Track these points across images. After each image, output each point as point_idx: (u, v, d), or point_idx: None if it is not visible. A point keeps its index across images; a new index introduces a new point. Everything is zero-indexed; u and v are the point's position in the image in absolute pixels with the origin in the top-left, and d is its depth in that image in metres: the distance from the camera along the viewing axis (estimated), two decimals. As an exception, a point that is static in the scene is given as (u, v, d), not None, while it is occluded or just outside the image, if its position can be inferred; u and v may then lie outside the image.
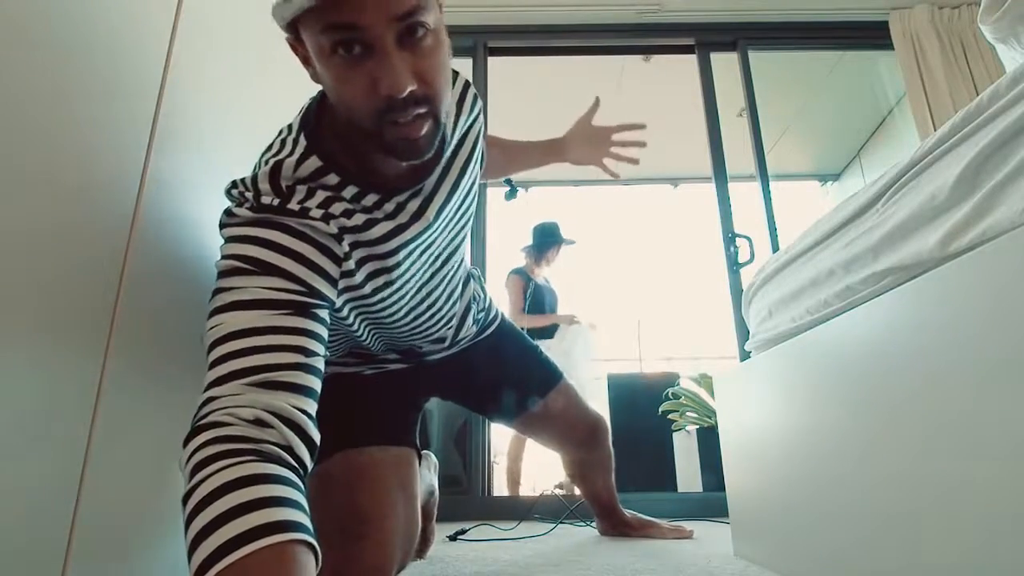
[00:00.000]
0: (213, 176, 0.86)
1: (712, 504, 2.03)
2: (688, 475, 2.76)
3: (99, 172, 0.63)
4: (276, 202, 0.64)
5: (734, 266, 2.32)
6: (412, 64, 0.59)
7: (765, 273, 1.11)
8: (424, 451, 1.21)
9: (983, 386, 0.53)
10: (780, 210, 2.39)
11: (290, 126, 0.73)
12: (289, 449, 0.55)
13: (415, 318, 0.90)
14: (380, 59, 0.58)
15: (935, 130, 0.99)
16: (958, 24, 2.45)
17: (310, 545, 0.48)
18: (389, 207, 0.74)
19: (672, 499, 2.34)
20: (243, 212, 0.65)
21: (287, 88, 1.17)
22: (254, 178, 0.67)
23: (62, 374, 0.57)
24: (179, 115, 0.77)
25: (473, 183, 0.88)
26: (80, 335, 0.60)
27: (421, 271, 0.84)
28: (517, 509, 2.07)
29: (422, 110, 0.61)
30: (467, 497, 2.20)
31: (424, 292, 0.88)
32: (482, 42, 2.60)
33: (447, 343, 1.05)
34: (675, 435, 2.91)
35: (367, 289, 0.76)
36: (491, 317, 1.18)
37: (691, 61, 2.60)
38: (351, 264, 0.71)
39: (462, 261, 0.99)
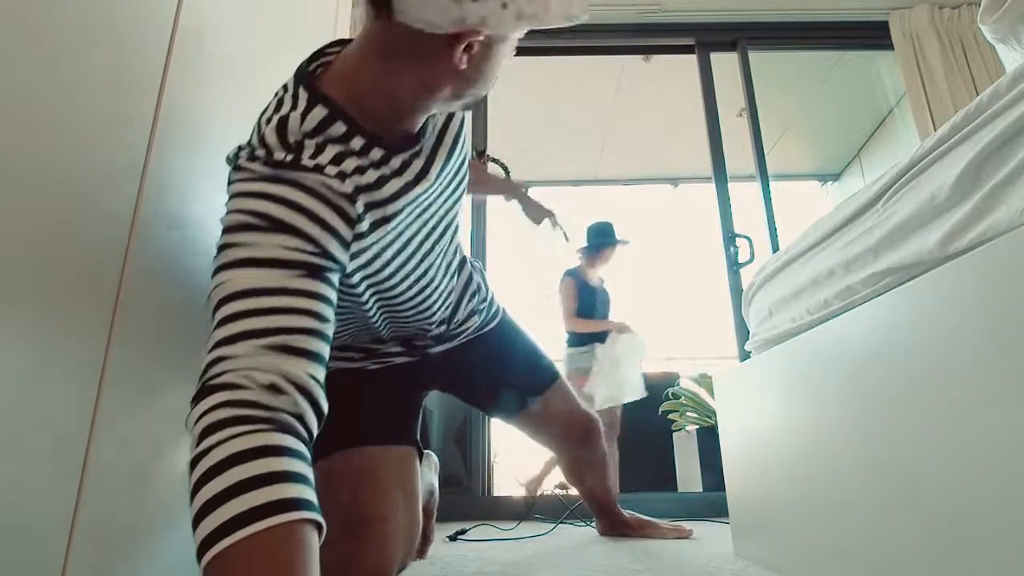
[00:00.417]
0: (214, 174, 0.86)
1: (712, 504, 2.03)
2: (688, 475, 2.76)
3: (99, 170, 0.63)
4: (289, 158, 0.63)
5: (734, 266, 2.32)
6: None
7: (765, 273, 1.11)
8: (425, 451, 1.21)
9: (983, 386, 0.53)
10: (780, 210, 2.39)
11: (285, 86, 0.71)
12: (300, 418, 0.54)
13: (416, 289, 0.87)
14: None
15: (935, 130, 0.99)
16: (958, 24, 2.45)
17: (316, 522, 0.48)
18: (395, 163, 0.72)
19: (672, 499, 2.34)
20: (255, 167, 0.62)
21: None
22: (261, 137, 0.65)
23: (62, 374, 0.57)
24: (180, 112, 0.77)
25: (464, 152, 0.88)
26: (80, 334, 0.60)
27: (420, 236, 0.82)
28: (517, 509, 2.07)
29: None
30: (467, 497, 2.20)
31: (424, 262, 0.86)
32: (482, 42, 2.60)
33: (447, 328, 1.04)
34: (675, 435, 2.91)
35: (374, 250, 0.74)
36: (493, 311, 1.18)
37: (691, 61, 2.60)
38: (364, 226, 0.69)
39: (457, 241, 0.98)
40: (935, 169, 0.66)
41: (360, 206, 0.67)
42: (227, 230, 0.60)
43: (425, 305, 0.92)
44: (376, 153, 0.70)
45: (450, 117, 0.82)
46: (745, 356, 2.02)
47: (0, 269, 0.50)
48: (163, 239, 0.74)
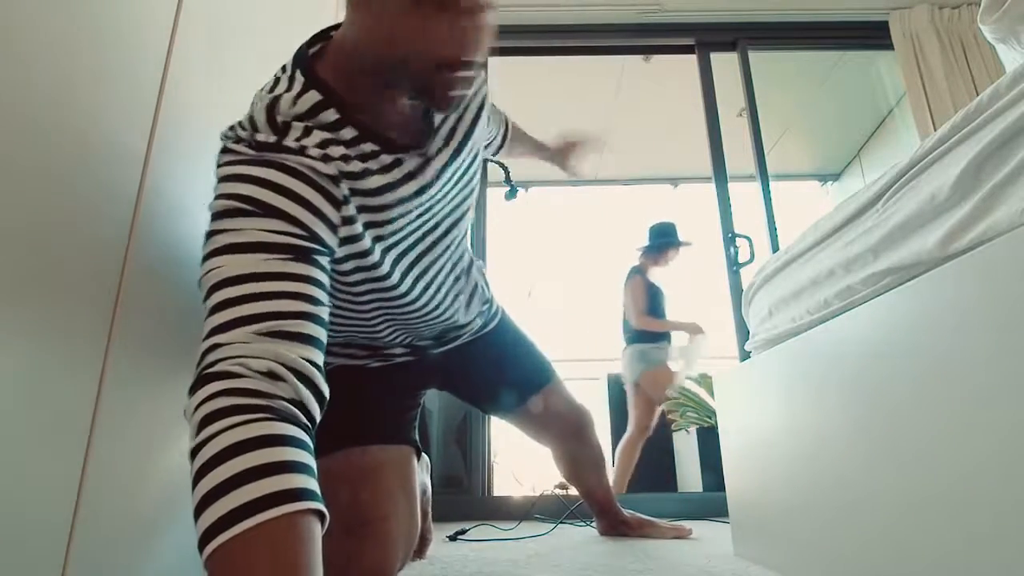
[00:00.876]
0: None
1: (712, 504, 2.03)
2: (688, 475, 2.76)
3: (99, 170, 0.63)
4: (273, 139, 0.62)
5: (734, 266, 2.32)
6: (474, 29, 0.59)
7: (765, 273, 1.11)
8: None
9: (983, 386, 0.53)
10: (780, 210, 2.39)
11: (284, 67, 0.71)
12: (301, 404, 0.53)
13: (419, 289, 0.86)
14: (473, 20, 0.58)
15: (935, 130, 0.99)
16: (958, 24, 2.45)
17: (319, 512, 0.47)
18: (386, 159, 0.71)
19: (672, 499, 2.34)
20: (240, 149, 0.62)
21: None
22: (251, 116, 0.65)
23: (62, 374, 0.57)
24: (180, 112, 0.77)
25: (476, 151, 0.85)
26: (80, 334, 0.60)
27: (419, 235, 0.80)
28: (517, 509, 2.07)
29: (472, 74, 0.62)
30: (467, 497, 2.20)
31: (425, 260, 0.84)
32: (482, 42, 2.60)
33: (457, 328, 1.04)
34: (675, 435, 2.91)
35: (367, 242, 0.72)
36: (493, 312, 1.19)
37: (691, 61, 2.60)
38: (351, 210, 0.68)
39: (465, 238, 0.97)
40: (935, 169, 0.66)
41: (345, 188, 0.66)
42: (214, 216, 0.60)
43: (432, 306, 0.91)
44: (367, 146, 0.69)
45: (459, 118, 0.81)
46: (745, 356, 2.02)
47: (0, 269, 0.50)
48: (163, 239, 0.74)
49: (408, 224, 0.77)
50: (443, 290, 0.92)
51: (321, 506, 0.48)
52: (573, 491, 2.13)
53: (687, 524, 1.55)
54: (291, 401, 0.53)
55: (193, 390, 0.51)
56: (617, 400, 3.11)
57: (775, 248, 2.32)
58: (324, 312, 0.60)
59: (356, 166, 0.67)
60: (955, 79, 2.35)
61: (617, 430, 3.03)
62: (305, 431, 0.53)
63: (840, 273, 0.82)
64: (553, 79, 3.06)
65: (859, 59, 3.03)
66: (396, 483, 0.93)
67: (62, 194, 0.57)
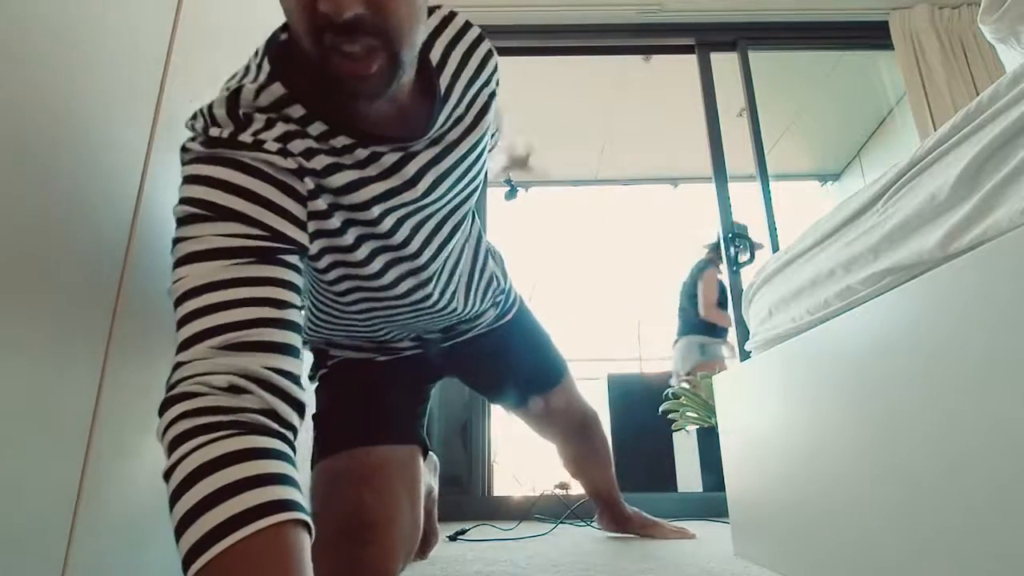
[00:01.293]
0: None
1: (712, 504, 2.03)
2: (688, 475, 2.76)
3: (99, 171, 0.63)
4: (226, 134, 0.58)
5: (734, 266, 2.32)
6: None
7: (765, 273, 1.11)
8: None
9: (983, 386, 0.53)
10: (780, 210, 2.39)
11: (256, 50, 0.66)
12: (272, 413, 0.51)
13: (409, 285, 0.81)
14: None
15: (935, 130, 0.99)
16: (958, 24, 2.45)
17: (303, 522, 0.46)
18: (361, 153, 0.66)
19: (672, 499, 2.34)
20: (194, 146, 0.58)
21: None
22: (210, 106, 0.60)
23: (62, 373, 0.57)
24: (180, 112, 0.77)
25: (482, 156, 0.80)
26: (80, 334, 0.60)
27: (406, 232, 0.75)
28: (517, 509, 2.07)
29: (373, 42, 0.54)
30: (467, 497, 2.20)
31: (419, 258, 0.79)
32: (482, 42, 2.60)
33: (460, 322, 1.00)
34: (675, 435, 2.91)
35: (349, 239, 0.68)
36: (510, 302, 1.13)
37: (691, 61, 2.60)
38: (321, 204, 0.64)
39: (473, 232, 0.94)
40: (935, 169, 0.66)
41: (310, 183, 0.62)
42: (176, 222, 0.57)
43: (429, 303, 0.87)
44: (340, 140, 0.64)
45: (459, 114, 0.75)
46: (745, 356, 2.02)
47: (1, 269, 0.50)
48: (163, 239, 0.74)
49: (398, 220, 0.72)
50: (438, 286, 0.87)
51: (306, 516, 0.46)
52: (573, 491, 2.13)
53: (687, 524, 1.55)
54: (260, 411, 0.50)
55: (160, 412, 0.50)
56: (617, 400, 3.11)
57: (775, 248, 2.32)
58: (293, 314, 0.57)
59: (321, 161, 0.63)
60: (955, 79, 2.35)
61: (617, 430, 3.02)
62: (280, 438, 0.50)
63: (840, 273, 0.82)
64: (553, 79, 3.06)
65: (859, 59, 3.03)
66: (401, 486, 0.92)
67: (62, 194, 0.57)
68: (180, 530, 0.44)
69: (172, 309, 0.55)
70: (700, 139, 2.52)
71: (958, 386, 0.56)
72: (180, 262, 0.55)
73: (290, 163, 0.60)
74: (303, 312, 0.67)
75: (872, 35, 2.56)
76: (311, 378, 1.05)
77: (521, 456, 3.40)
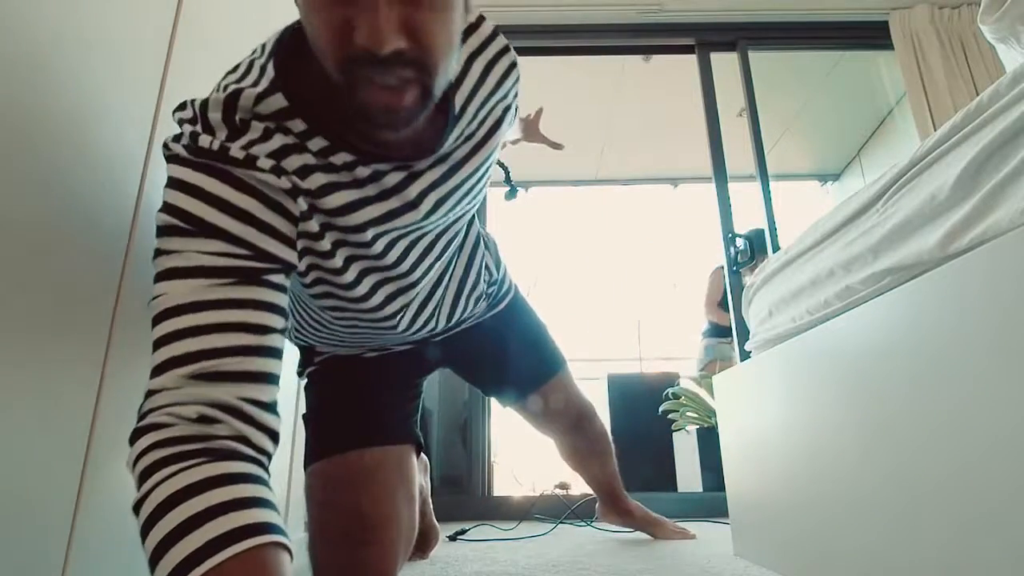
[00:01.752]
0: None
1: (712, 504, 2.03)
2: (688, 475, 2.76)
3: (99, 171, 0.63)
4: (216, 145, 0.53)
5: (734, 266, 2.32)
6: (405, 15, 0.48)
7: (765, 273, 1.11)
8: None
9: (983, 386, 0.53)
10: (780, 210, 2.39)
11: (263, 46, 0.61)
12: (244, 439, 0.49)
13: (396, 306, 0.77)
14: (366, 1, 0.47)
15: (935, 130, 0.99)
16: (958, 24, 2.45)
17: (283, 545, 0.45)
18: (362, 172, 0.61)
19: (672, 499, 2.34)
20: (176, 148, 0.54)
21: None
22: (204, 104, 0.56)
23: (62, 373, 0.57)
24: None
25: (489, 170, 0.76)
26: (81, 334, 0.60)
27: (399, 252, 0.71)
28: (517, 509, 2.07)
29: (409, 75, 0.50)
30: (467, 497, 2.20)
31: (409, 277, 0.75)
32: (482, 42, 2.60)
33: (441, 331, 0.96)
34: (675, 435, 2.91)
35: (338, 261, 0.64)
36: (503, 292, 1.08)
37: (691, 61, 2.60)
38: (313, 226, 0.60)
39: (468, 236, 0.92)
40: (935, 169, 0.66)
41: (303, 203, 0.58)
42: (157, 232, 0.54)
43: (418, 324, 0.85)
44: (340, 157, 0.60)
45: (484, 120, 0.72)
46: (745, 356, 2.02)
47: (0, 269, 0.50)
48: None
49: (392, 244, 0.69)
50: (425, 305, 0.84)
51: (285, 539, 0.45)
52: (573, 491, 2.13)
53: (687, 524, 1.55)
54: (231, 438, 0.49)
55: (131, 441, 0.49)
56: (617, 400, 3.11)
57: (775, 248, 2.33)
58: (274, 339, 0.54)
59: (317, 180, 0.59)
60: (955, 79, 2.35)
61: (617, 430, 3.02)
62: (253, 462, 0.49)
63: (840, 273, 0.82)
64: (553, 79, 3.06)
65: (859, 59, 3.02)
66: (397, 486, 0.92)
67: (62, 194, 0.57)
68: (155, 558, 0.42)
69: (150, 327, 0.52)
70: (700, 139, 2.52)
71: (958, 386, 0.56)
72: (160, 277, 0.52)
73: (284, 182, 0.56)
74: (288, 321, 0.64)
75: (872, 35, 2.56)
76: (299, 375, 1.03)
77: (521, 456, 3.40)
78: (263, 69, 0.59)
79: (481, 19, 0.70)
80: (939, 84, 2.34)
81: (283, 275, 0.57)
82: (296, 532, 1.11)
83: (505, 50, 0.72)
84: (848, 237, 0.82)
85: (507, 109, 0.74)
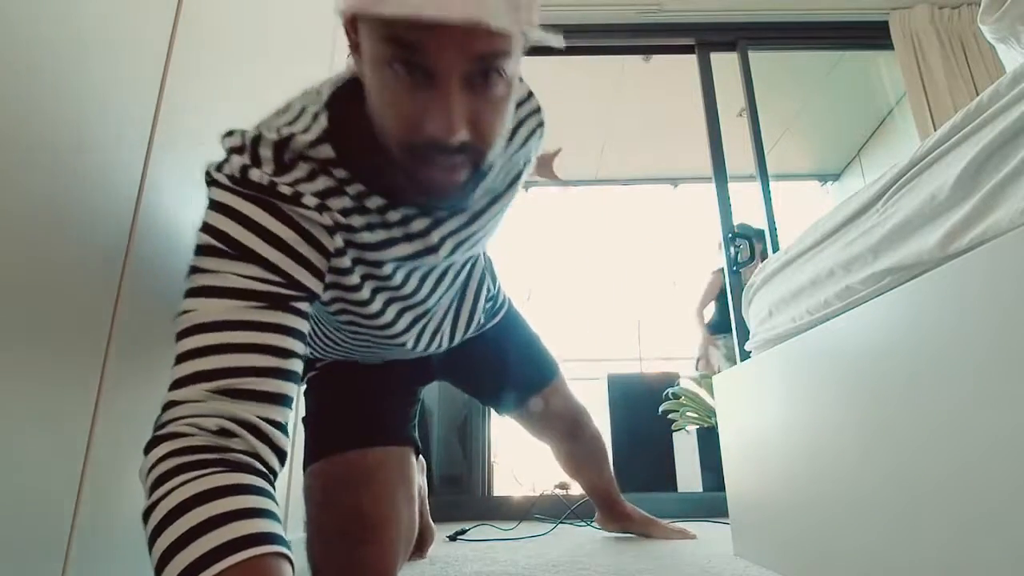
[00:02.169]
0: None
1: (712, 504, 2.03)
2: (688, 475, 2.76)
3: (99, 171, 0.63)
4: (266, 180, 0.57)
5: (734, 266, 2.32)
6: (472, 110, 0.52)
7: (765, 273, 1.11)
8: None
9: (983, 386, 0.53)
10: (780, 210, 2.39)
11: (318, 92, 0.64)
12: (256, 456, 0.52)
13: (404, 324, 0.81)
14: (439, 95, 0.50)
15: (935, 130, 0.99)
16: (958, 24, 2.45)
17: (284, 555, 0.46)
18: (393, 216, 0.67)
19: (672, 499, 2.34)
20: (224, 180, 0.57)
21: (288, 85, 1.17)
22: (256, 139, 0.59)
23: (62, 374, 0.57)
24: (180, 113, 0.77)
25: (503, 211, 0.80)
26: (81, 334, 0.60)
27: (413, 285, 0.76)
28: (517, 509, 2.07)
29: (466, 158, 0.55)
30: (467, 497, 2.20)
31: (423, 305, 0.80)
32: (482, 42, 2.60)
33: (444, 346, 0.99)
34: (675, 435, 2.91)
35: (366, 293, 0.69)
36: (499, 305, 1.12)
37: (691, 61, 2.60)
38: (346, 262, 0.65)
39: (480, 260, 0.96)
40: (935, 169, 0.66)
41: (340, 240, 0.62)
42: (196, 250, 0.57)
43: (416, 342, 0.86)
44: (374, 202, 0.65)
45: (500, 196, 0.76)
46: (745, 356, 2.02)
47: (0, 269, 0.50)
48: (164, 240, 0.74)
49: (409, 276, 0.74)
50: (428, 328, 0.87)
51: (287, 550, 0.46)
52: (573, 491, 2.13)
53: (687, 524, 1.55)
54: (245, 452, 0.51)
55: (147, 450, 0.50)
56: (617, 400, 3.11)
57: (775, 248, 2.33)
58: (294, 363, 0.57)
59: (357, 220, 0.64)
60: (955, 79, 2.35)
61: (617, 430, 3.02)
62: (263, 477, 0.51)
63: (840, 273, 0.82)
64: (553, 79, 3.06)
65: (859, 59, 3.03)
66: (396, 486, 0.92)
67: (62, 194, 0.57)
68: (163, 562, 0.43)
69: (175, 337, 0.55)
70: (700, 139, 2.52)
71: (958, 386, 0.56)
72: (193, 293, 0.55)
73: (326, 219, 0.60)
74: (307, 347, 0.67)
75: (872, 35, 2.56)
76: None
77: (521, 456, 3.40)
78: (315, 117, 0.62)
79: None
80: (939, 84, 2.34)
81: (308, 303, 0.60)
82: (296, 532, 1.11)
83: (536, 111, 0.77)
84: (848, 237, 0.82)
85: (528, 162, 0.80)
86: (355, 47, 0.56)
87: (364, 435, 0.94)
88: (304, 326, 0.59)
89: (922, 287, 0.62)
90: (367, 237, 0.65)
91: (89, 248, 0.61)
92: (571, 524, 1.79)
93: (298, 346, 0.57)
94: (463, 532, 1.60)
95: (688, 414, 2.69)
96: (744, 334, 1.79)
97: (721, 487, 1.22)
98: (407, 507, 0.92)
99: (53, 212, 0.56)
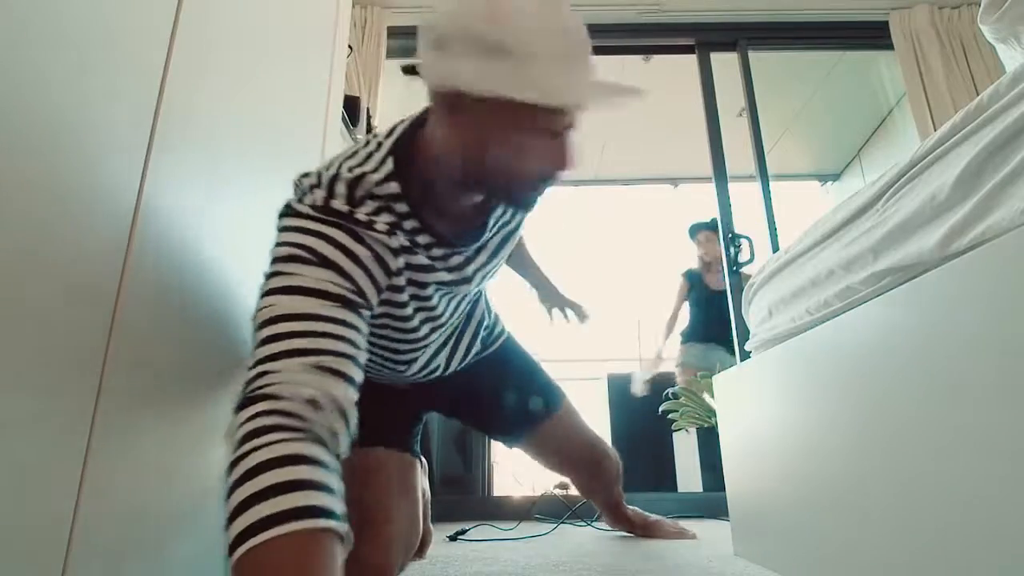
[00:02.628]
0: (214, 174, 0.86)
1: (712, 504, 2.03)
2: (688, 475, 2.76)
3: (100, 170, 0.63)
4: (346, 209, 0.68)
5: (734, 266, 2.32)
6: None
7: (765, 273, 1.11)
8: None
9: (983, 386, 0.53)
10: (780, 210, 2.39)
11: (379, 143, 0.75)
12: (334, 435, 0.57)
13: (409, 345, 0.90)
14: (559, 144, 0.67)
15: (935, 130, 0.99)
16: (958, 24, 2.45)
17: (338, 532, 0.50)
18: (437, 252, 0.78)
19: (672, 499, 2.34)
20: (306, 210, 0.68)
21: (288, 85, 1.16)
22: (333, 178, 0.70)
23: (62, 374, 0.57)
24: (180, 112, 0.77)
25: (509, 250, 0.92)
26: (80, 334, 0.60)
27: (458, 310, 0.90)
28: (517, 509, 2.07)
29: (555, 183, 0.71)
30: (467, 497, 2.20)
31: (432, 325, 0.89)
32: (482, 42, 2.60)
33: (439, 372, 1.06)
34: (675, 435, 2.91)
35: (410, 311, 0.80)
36: (496, 333, 1.18)
37: (691, 61, 2.60)
38: (401, 280, 0.74)
39: (482, 299, 1.04)
40: (935, 169, 0.66)
41: (401, 261, 0.73)
42: (276, 260, 0.65)
43: (410, 363, 0.93)
44: (423, 238, 0.75)
45: (506, 223, 0.87)
46: (745, 356, 2.02)
47: (0, 269, 0.50)
48: (163, 240, 0.74)
49: (441, 298, 0.85)
50: (426, 352, 0.95)
51: (341, 525, 0.51)
52: (573, 491, 2.13)
53: (687, 524, 1.55)
54: (327, 428, 0.57)
55: (239, 409, 0.56)
56: (617, 400, 3.11)
57: (775, 248, 2.33)
58: (362, 357, 0.65)
59: (421, 239, 0.75)
60: (955, 79, 2.35)
61: (617, 430, 3.03)
62: (335, 458, 0.57)
63: (840, 273, 0.82)
64: (553, 79, 3.06)
65: (859, 59, 3.03)
66: (398, 485, 0.93)
67: (62, 195, 0.57)
68: (233, 516, 0.49)
69: (255, 328, 0.62)
70: (700, 139, 2.52)
71: (958, 386, 0.56)
72: (272, 292, 0.63)
73: (394, 242, 0.71)
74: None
75: (872, 35, 2.56)
76: None
77: (521, 456, 3.39)
78: (381, 161, 0.72)
79: None
80: (939, 84, 2.34)
81: (368, 312, 0.69)
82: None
83: None
84: (848, 237, 0.82)
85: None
86: (453, 107, 0.65)
87: (366, 436, 0.95)
88: (365, 329, 0.67)
89: (922, 287, 0.62)
90: (422, 260, 0.76)
91: (89, 250, 0.61)
92: (572, 524, 1.79)
93: (363, 344, 0.66)
94: (463, 532, 1.60)
95: (688, 414, 2.68)
96: (744, 334, 1.79)
97: (721, 487, 1.22)
98: (408, 507, 0.92)
99: (53, 213, 0.56)
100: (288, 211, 0.70)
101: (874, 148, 3.68)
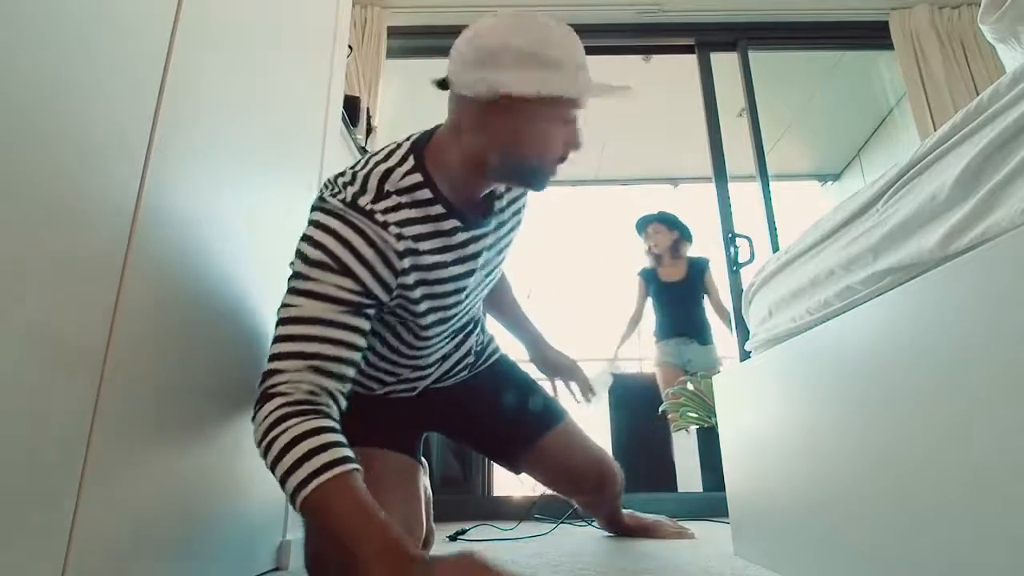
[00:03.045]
0: (214, 173, 0.86)
1: (712, 504, 2.03)
2: (688, 475, 2.76)
3: (100, 170, 0.63)
4: (369, 206, 0.80)
5: (734, 266, 2.32)
6: None
7: (765, 273, 1.11)
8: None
9: (983, 386, 0.53)
10: (780, 210, 2.39)
11: (399, 144, 0.88)
12: (331, 408, 0.76)
13: (440, 354, 1.00)
14: (576, 125, 0.84)
15: (935, 130, 0.99)
16: (958, 24, 2.45)
17: (359, 468, 0.71)
18: (461, 236, 0.88)
19: (672, 499, 2.34)
20: (334, 203, 0.80)
21: (288, 84, 1.16)
22: (367, 175, 0.83)
23: (63, 373, 0.57)
24: (181, 111, 0.77)
25: (510, 242, 1.01)
26: (81, 334, 0.60)
27: (462, 311, 0.98)
28: (517, 509, 2.07)
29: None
30: (467, 497, 2.20)
31: (459, 334, 1.01)
32: (482, 42, 2.60)
33: (440, 376, 1.10)
34: (675, 435, 2.91)
35: (419, 300, 0.88)
36: (490, 349, 1.21)
37: (691, 61, 2.60)
38: (409, 279, 0.84)
39: (475, 308, 1.08)
40: (935, 169, 0.66)
41: (407, 262, 0.83)
42: (305, 260, 0.78)
43: (417, 360, 1.00)
44: (448, 223, 0.86)
45: (511, 211, 0.97)
46: (745, 356, 2.02)
47: (0, 269, 0.50)
48: (163, 240, 0.74)
49: (452, 291, 0.92)
50: (433, 347, 1.01)
51: (358, 465, 0.72)
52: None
53: (687, 524, 1.55)
54: (325, 405, 0.76)
55: (259, 404, 0.74)
56: (617, 400, 3.11)
57: (775, 248, 2.32)
58: (358, 355, 0.80)
59: (425, 245, 0.85)
60: (955, 79, 2.35)
61: (617, 430, 3.02)
62: (336, 421, 0.77)
63: (840, 273, 0.82)
64: (553, 79, 3.06)
65: (859, 59, 3.03)
66: (401, 483, 0.94)
67: (62, 194, 0.57)
68: (284, 478, 0.68)
69: (279, 318, 0.78)
70: (700, 139, 2.52)
71: (958, 386, 0.56)
72: (298, 293, 0.77)
73: (400, 245, 0.82)
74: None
75: (872, 35, 2.56)
76: None
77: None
78: (403, 158, 0.85)
79: None
80: (939, 84, 2.34)
81: (375, 309, 0.83)
82: (297, 532, 1.11)
83: None
84: (848, 237, 0.82)
85: (525, 205, 1.04)
86: (492, 109, 0.78)
87: (368, 436, 0.97)
88: (367, 326, 0.81)
89: (922, 287, 0.62)
90: (429, 260, 0.86)
91: (89, 248, 0.61)
92: (571, 524, 1.79)
93: (364, 342, 0.80)
94: (463, 532, 1.60)
95: (688, 414, 2.68)
96: (744, 334, 1.79)
97: (721, 487, 1.22)
98: (410, 506, 0.92)
99: (53, 211, 0.56)
100: (319, 204, 0.82)
101: (874, 148, 3.68)
